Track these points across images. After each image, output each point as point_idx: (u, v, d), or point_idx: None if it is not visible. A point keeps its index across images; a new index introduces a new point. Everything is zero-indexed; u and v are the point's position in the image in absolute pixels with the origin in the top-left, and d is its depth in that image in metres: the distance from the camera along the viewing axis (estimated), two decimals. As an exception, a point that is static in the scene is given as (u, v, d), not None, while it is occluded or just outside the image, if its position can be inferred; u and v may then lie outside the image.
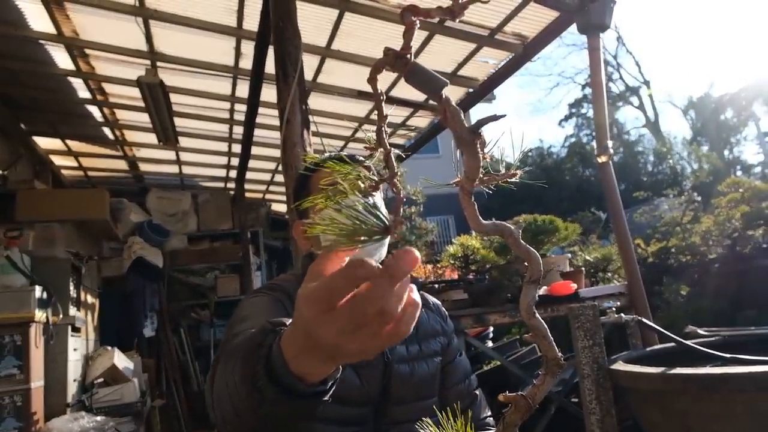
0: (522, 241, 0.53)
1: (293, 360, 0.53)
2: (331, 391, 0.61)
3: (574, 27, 3.20)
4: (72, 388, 3.64)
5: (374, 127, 0.54)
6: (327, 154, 1.07)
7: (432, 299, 1.41)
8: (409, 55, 0.49)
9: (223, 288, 6.17)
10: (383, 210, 0.50)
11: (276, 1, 2.39)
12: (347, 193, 0.52)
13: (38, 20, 3.11)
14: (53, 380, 3.44)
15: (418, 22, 0.49)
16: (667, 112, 38.60)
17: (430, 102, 3.75)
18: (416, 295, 0.49)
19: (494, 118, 0.49)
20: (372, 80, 0.52)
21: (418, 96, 4.03)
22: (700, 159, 13.88)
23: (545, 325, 0.53)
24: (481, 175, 0.51)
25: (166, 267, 5.82)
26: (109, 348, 4.28)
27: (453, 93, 4.30)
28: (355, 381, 1.10)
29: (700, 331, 2.41)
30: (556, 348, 0.53)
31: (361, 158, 0.86)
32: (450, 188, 0.52)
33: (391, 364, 1.15)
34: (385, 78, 0.48)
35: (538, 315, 0.53)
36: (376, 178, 0.55)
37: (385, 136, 0.52)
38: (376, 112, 0.54)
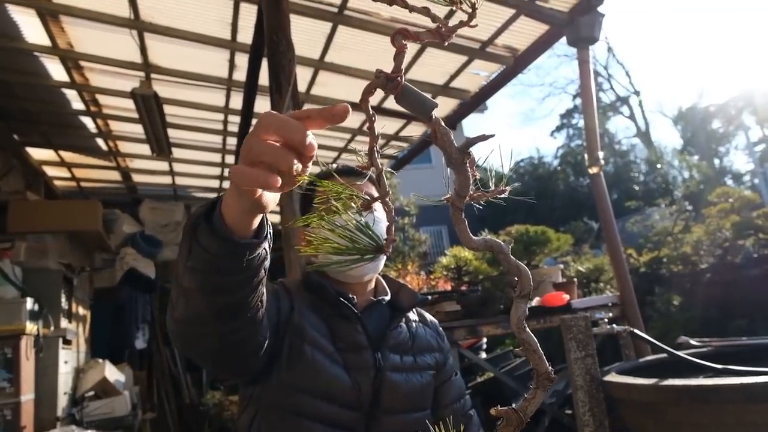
0: (512, 257, 0.53)
1: (225, 207, 0.68)
2: (259, 248, 0.73)
3: (564, 39, 3.25)
4: (62, 401, 3.60)
5: (367, 139, 0.55)
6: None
7: (429, 317, 1.42)
8: (399, 78, 0.50)
9: (216, 299, 6.12)
10: (378, 227, 0.51)
11: (270, 14, 2.41)
12: (340, 213, 0.53)
13: (33, 32, 3.12)
14: (44, 393, 3.40)
15: (408, 45, 0.50)
16: (658, 121, 38.93)
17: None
18: (314, 142, 0.62)
19: (483, 138, 0.50)
20: (363, 102, 0.53)
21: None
22: (690, 168, 13.98)
23: (535, 339, 0.54)
24: (472, 192, 0.52)
25: (159, 278, 5.79)
26: (100, 360, 4.24)
27: (445, 104, 4.34)
28: (346, 380, 1.11)
29: (692, 342, 2.43)
30: (546, 362, 0.53)
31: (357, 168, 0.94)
32: (442, 199, 0.53)
33: (383, 371, 1.15)
34: (378, 90, 0.49)
35: (528, 329, 0.54)
36: (368, 197, 0.56)
37: (377, 155, 0.53)
38: (367, 129, 0.55)
